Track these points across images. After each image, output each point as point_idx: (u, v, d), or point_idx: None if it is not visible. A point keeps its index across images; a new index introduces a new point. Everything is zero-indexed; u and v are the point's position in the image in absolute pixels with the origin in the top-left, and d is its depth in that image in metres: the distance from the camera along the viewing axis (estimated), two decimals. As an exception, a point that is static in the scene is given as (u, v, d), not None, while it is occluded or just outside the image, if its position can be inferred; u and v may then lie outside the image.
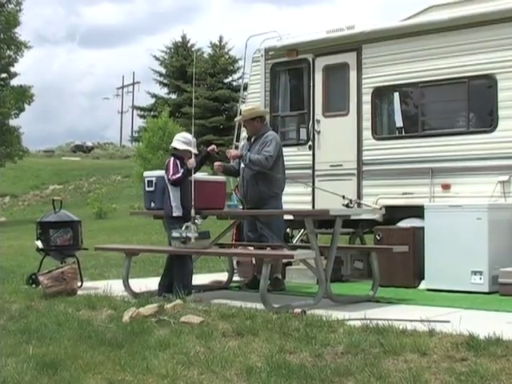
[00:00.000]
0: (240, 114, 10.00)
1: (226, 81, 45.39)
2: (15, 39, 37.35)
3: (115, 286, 8.54)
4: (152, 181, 8.94)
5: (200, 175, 9.24)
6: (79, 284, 9.08)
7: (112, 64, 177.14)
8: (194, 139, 8.69)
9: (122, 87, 74.00)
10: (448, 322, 6.01)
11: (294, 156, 10.68)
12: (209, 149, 8.68)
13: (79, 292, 8.61)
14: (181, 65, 47.73)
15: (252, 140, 9.07)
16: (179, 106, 45.27)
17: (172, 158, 8.47)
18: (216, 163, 9.05)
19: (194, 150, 8.49)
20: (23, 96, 36.93)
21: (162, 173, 8.69)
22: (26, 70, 43.64)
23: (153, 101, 48.96)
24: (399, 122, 10.92)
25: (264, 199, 8.83)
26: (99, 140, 71.27)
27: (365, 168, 10.34)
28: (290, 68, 11.51)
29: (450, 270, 8.57)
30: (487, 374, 4.69)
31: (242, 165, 8.99)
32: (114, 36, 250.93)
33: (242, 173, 9.08)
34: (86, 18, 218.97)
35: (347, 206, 9.95)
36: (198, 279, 9.85)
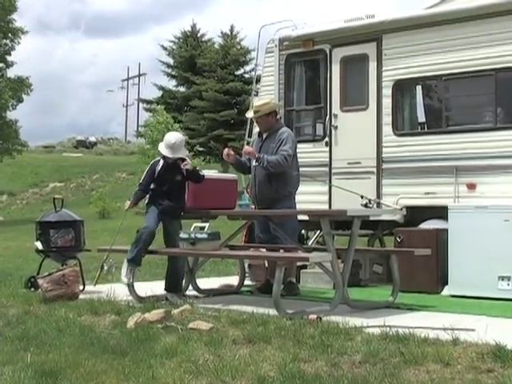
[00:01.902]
0: (252, 108, 9.96)
1: (238, 73, 45.42)
2: (11, 26, 37.07)
3: (119, 290, 8.56)
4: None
5: (211, 173, 9.26)
6: (81, 288, 9.12)
7: (117, 54, 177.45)
8: (183, 138, 8.80)
9: (128, 79, 74.18)
10: (473, 330, 6.01)
11: (309, 153, 10.67)
12: (187, 167, 8.64)
13: (81, 296, 8.64)
14: (190, 55, 47.74)
15: (264, 137, 9.04)
16: (188, 99, 45.33)
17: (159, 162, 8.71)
18: (225, 150, 9.02)
19: (178, 155, 8.55)
20: (21, 86, 36.88)
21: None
22: (25, 60, 43.72)
23: (160, 93, 49.01)
24: (422, 117, 10.87)
25: (278, 199, 8.79)
26: (103, 135, 71.38)
27: (385, 166, 10.31)
28: (305, 59, 11.48)
29: (475, 275, 8.55)
30: (515, 386, 4.68)
31: (254, 163, 8.94)
32: (121, 24, 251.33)
33: (253, 171, 9.04)
34: (91, 5, 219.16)
35: (366, 206, 9.93)
36: (208, 283, 9.87)
